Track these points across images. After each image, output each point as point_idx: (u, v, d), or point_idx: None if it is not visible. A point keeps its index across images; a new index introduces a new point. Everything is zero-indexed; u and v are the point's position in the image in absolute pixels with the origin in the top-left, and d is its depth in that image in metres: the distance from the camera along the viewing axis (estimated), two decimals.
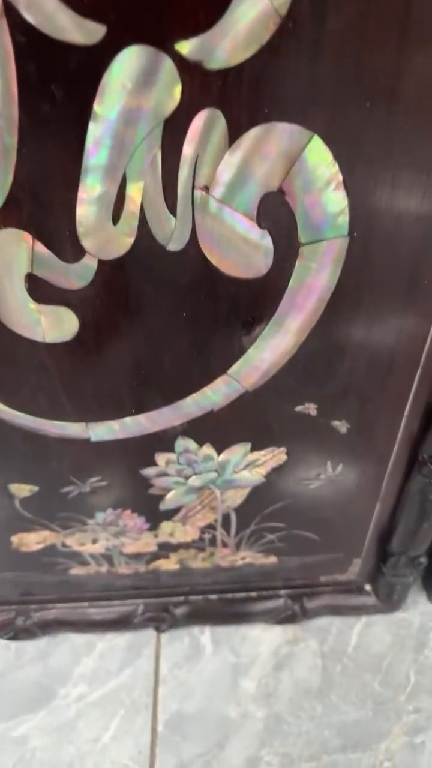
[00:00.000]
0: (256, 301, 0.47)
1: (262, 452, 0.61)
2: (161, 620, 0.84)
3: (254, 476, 0.64)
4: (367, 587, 0.85)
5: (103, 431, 0.56)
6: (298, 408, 0.56)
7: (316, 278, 0.45)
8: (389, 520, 0.71)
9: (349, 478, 0.65)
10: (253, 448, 0.60)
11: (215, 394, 0.54)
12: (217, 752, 0.77)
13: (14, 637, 0.85)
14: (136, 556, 0.75)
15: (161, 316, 0.47)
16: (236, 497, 0.67)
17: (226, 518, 0.70)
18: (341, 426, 0.58)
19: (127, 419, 0.55)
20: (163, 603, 0.83)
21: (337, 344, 0.51)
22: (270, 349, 0.50)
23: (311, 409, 0.56)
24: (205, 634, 0.87)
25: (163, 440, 0.58)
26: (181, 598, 0.84)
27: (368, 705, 0.80)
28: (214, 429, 0.57)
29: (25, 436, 0.55)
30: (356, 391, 0.55)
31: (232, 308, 0.47)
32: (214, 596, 0.84)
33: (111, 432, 0.56)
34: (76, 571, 0.77)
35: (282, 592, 0.84)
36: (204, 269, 0.43)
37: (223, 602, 0.84)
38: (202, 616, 0.84)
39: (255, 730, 0.79)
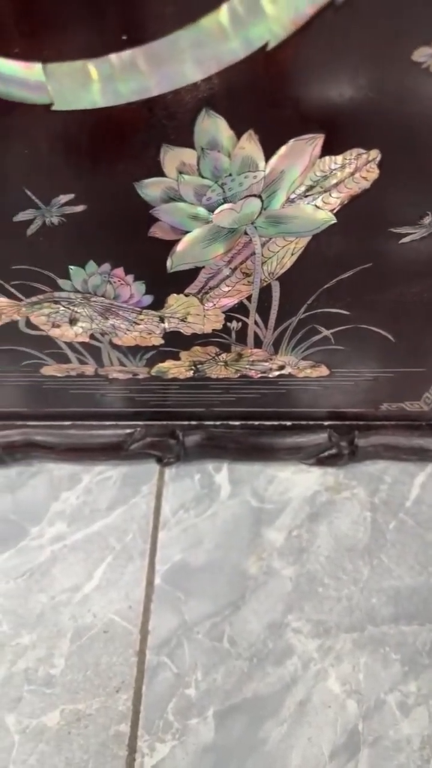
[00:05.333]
0: None
1: (339, 158, 0.37)
2: (166, 449, 0.64)
3: (321, 212, 0.40)
4: None
5: None
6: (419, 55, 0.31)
7: None
8: None
9: None
10: (329, 147, 0.36)
11: None
12: (230, 614, 0.59)
13: None
14: (134, 352, 0.53)
15: None
16: (284, 256, 0.43)
17: (265, 294, 0.47)
18: None
19: None
20: (170, 427, 0.63)
21: None
22: None
23: None
24: (221, 472, 0.68)
25: (171, 107, 0.33)
26: (194, 423, 0.63)
27: (430, 570, 0.62)
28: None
29: None
30: None
31: None
32: (236, 422, 0.63)
33: None
34: (51, 371, 0.55)
35: (327, 423, 0.63)
36: None
37: (248, 431, 0.63)
38: (218, 447, 0.64)
39: (281, 591, 0.60)
